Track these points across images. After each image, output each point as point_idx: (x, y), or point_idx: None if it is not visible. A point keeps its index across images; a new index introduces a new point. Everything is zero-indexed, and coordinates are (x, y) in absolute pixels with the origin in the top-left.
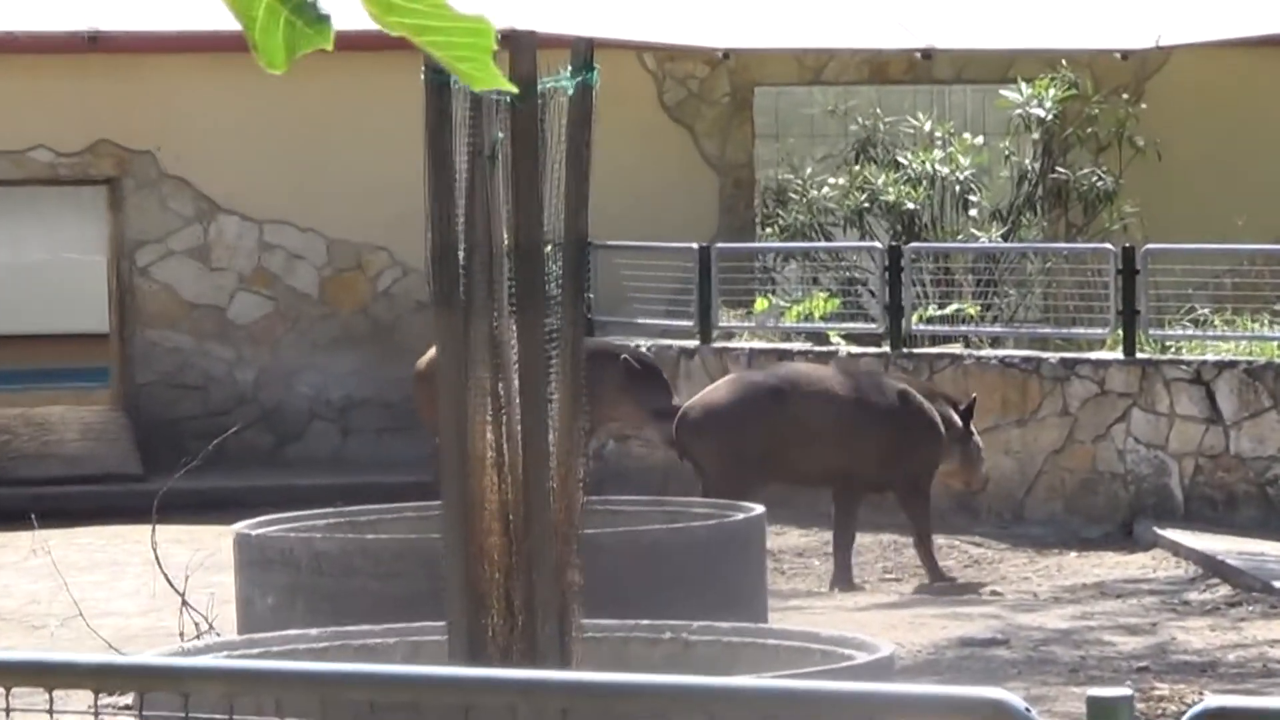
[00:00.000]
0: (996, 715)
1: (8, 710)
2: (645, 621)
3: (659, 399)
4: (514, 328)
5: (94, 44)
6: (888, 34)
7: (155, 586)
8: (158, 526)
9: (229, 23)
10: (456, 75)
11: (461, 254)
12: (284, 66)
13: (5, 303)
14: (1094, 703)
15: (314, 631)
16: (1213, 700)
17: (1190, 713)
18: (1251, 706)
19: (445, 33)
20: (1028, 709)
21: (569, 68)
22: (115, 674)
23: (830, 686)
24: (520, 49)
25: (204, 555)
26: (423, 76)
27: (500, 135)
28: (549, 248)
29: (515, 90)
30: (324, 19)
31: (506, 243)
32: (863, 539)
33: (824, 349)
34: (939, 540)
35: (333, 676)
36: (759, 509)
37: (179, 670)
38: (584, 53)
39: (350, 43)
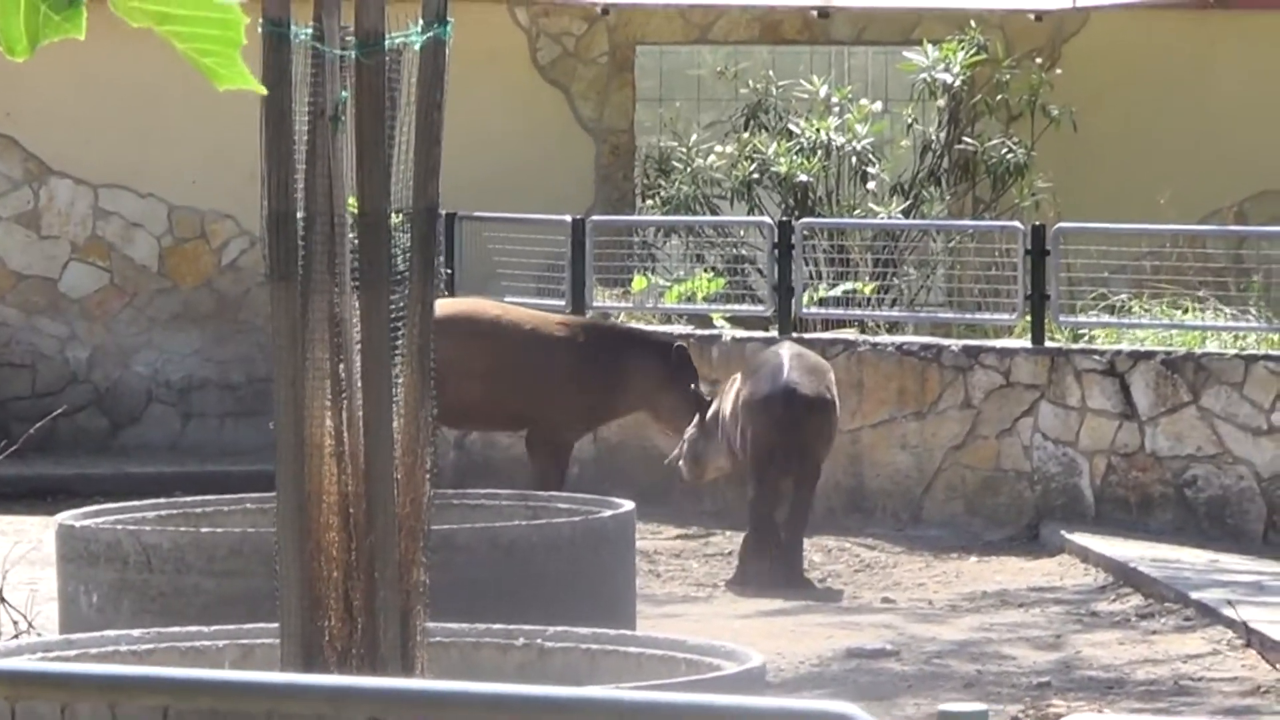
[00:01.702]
0: None
1: None
2: (497, 626)
3: (696, 391)
4: (356, 305)
5: None
6: None
7: None
8: None
9: None
10: (201, 71)
11: (300, 224)
12: (27, 54)
13: None
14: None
15: (136, 632)
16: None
17: None
18: None
19: (189, 22)
20: None
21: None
22: None
23: (663, 699)
24: None
25: (27, 548)
26: (260, 28)
27: (345, 94)
28: (396, 218)
29: (264, 91)
30: (75, 4)
31: (350, 212)
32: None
33: (707, 332)
34: (828, 541)
35: (123, 681)
36: (629, 505)
37: None
38: (436, 3)
39: None
